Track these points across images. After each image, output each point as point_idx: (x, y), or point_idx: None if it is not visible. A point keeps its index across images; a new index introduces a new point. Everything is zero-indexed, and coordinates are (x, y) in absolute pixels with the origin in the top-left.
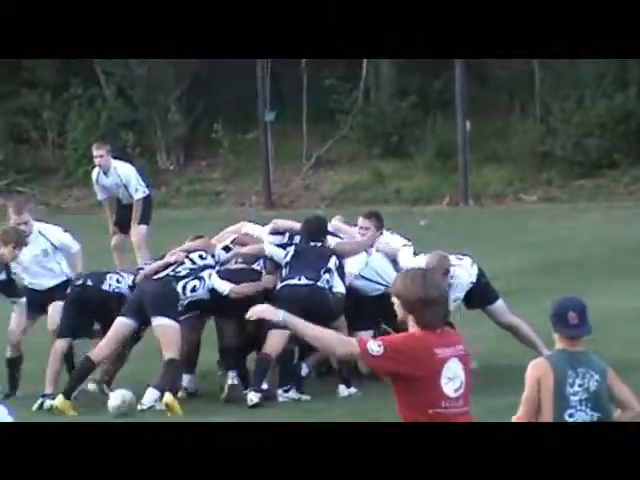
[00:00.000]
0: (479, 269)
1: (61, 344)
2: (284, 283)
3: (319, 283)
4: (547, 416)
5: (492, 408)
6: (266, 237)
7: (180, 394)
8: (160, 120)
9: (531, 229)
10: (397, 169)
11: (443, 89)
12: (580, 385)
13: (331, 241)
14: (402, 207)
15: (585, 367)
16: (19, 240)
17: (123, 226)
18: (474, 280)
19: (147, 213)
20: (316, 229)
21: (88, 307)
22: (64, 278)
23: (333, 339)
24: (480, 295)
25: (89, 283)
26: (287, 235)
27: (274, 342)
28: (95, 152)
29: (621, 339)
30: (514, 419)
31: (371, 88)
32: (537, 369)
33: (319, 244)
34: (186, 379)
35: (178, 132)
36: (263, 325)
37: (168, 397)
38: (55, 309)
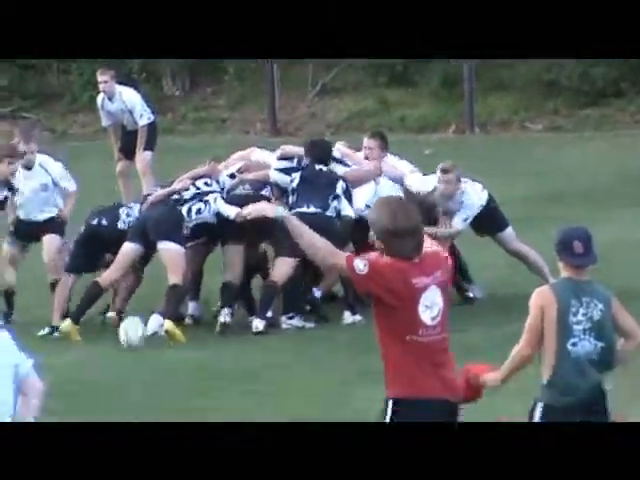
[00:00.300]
0: (489, 195)
1: (70, 278)
2: (293, 211)
3: (328, 212)
4: (550, 345)
5: (497, 336)
6: (273, 163)
7: (186, 321)
8: None
9: (537, 157)
10: (402, 97)
11: None
12: (584, 314)
13: (339, 169)
14: (407, 135)
15: (589, 296)
16: (12, 153)
17: (128, 152)
18: (484, 204)
19: (152, 139)
20: (321, 151)
21: (103, 245)
22: (57, 212)
23: (325, 249)
24: (490, 221)
25: (104, 223)
26: (295, 160)
27: (281, 270)
28: (99, 78)
29: (627, 268)
30: (516, 348)
31: None
32: (541, 297)
33: (324, 168)
34: (191, 306)
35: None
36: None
37: (168, 324)
38: (51, 242)
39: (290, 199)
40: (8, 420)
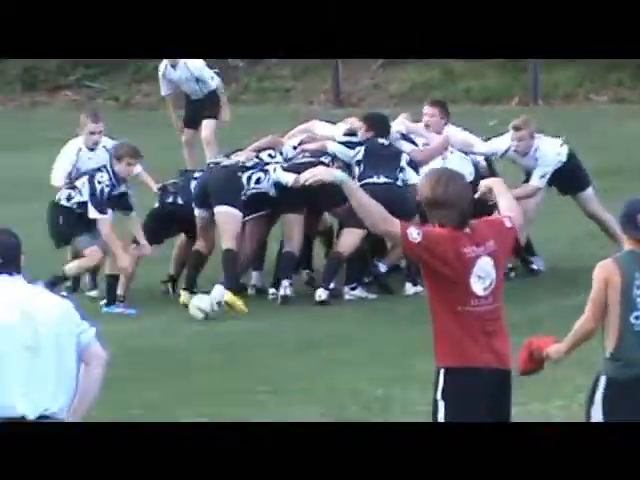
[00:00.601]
0: (570, 150)
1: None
2: (362, 182)
3: (397, 182)
4: (614, 317)
5: (560, 308)
6: (335, 135)
7: (249, 291)
8: None
9: (599, 130)
10: (467, 68)
11: None
12: None
13: (406, 147)
14: (472, 106)
15: None
16: (133, 154)
17: (193, 122)
18: (564, 159)
19: (216, 107)
20: (384, 125)
21: (177, 224)
22: None
23: (379, 214)
24: (570, 178)
25: (180, 202)
26: (358, 135)
27: (348, 241)
28: None
29: None
30: (579, 321)
31: None
32: (605, 270)
33: (387, 142)
34: (254, 276)
35: None
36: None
37: (228, 296)
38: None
39: (356, 170)
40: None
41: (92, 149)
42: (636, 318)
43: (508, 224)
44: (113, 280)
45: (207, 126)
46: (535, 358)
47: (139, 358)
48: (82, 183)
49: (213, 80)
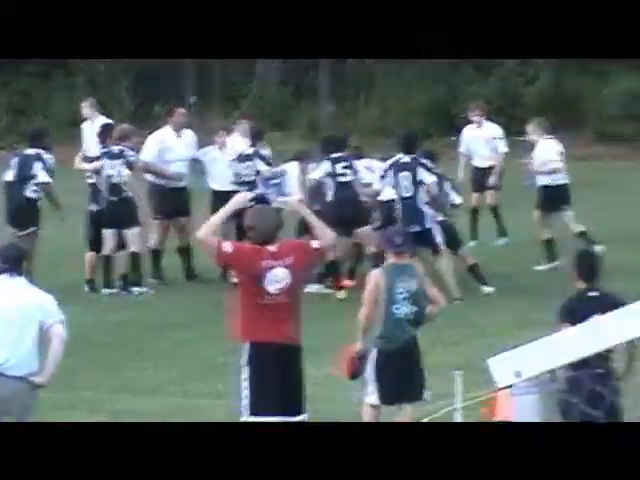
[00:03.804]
0: None
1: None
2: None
3: None
4: (381, 309)
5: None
6: None
7: None
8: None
9: None
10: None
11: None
12: (404, 287)
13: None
14: None
15: (408, 274)
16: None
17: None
18: None
19: None
20: None
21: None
22: None
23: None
24: None
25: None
26: None
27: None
28: None
29: None
30: (360, 315)
31: (262, 80)
32: (375, 276)
33: None
34: None
35: (127, 110)
36: None
37: None
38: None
39: None
40: (33, 367)
41: None
42: (396, 309)
43: (315, 245)
44: None
45: None
46: (350, 362)
47: None
48: None
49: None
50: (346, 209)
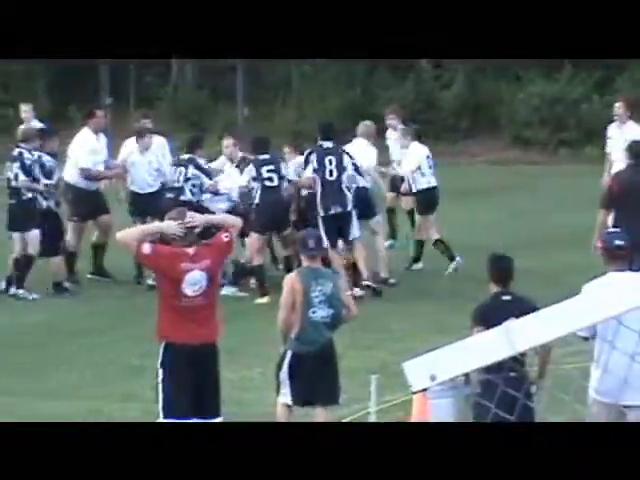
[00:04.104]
0: None
1: None
2: None
3: None
4: (297, 312)
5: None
6: None
7: None
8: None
9: None
10: None
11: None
12: (320, 291)
13: None
14: None
15: (323, 279)
16: None
17: None
18: None
19: None
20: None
21: None
22: None
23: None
24: None
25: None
26: None
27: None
28: None
29: None
30: (279, 319)
31: (179, 83)
32: (291, 280)
33: None
34: None
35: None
36: None
37: None
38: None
39: None
40: None
41: None
42: (313, 312)
43: (225, 239)
44: None
45: None
46: None
47: None
48: None
49: None
50: (273, 213)
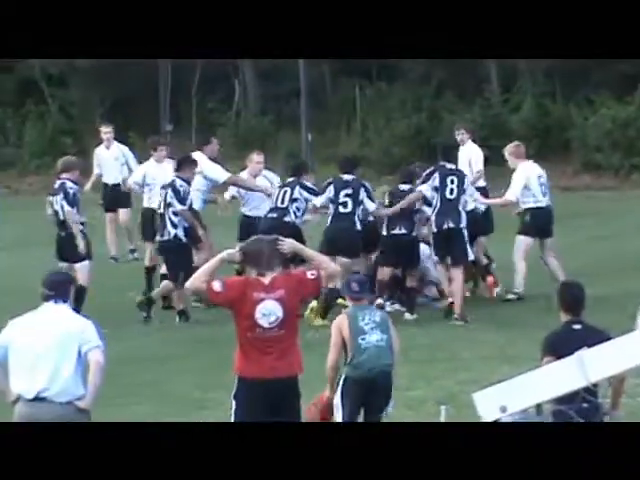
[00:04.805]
0: None
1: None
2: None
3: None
4: (349, 343)
5: None
6: None
7: None
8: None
9: None
10: None
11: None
12: (370, 320)
13: None
14: None
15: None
16: None
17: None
18: None
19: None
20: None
21: None
22: None
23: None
24: None
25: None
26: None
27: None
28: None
29: None
30: (327, 364)
31: (241, 109)
32: (338, 321)
33: None
34: None
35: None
36: None
37: None
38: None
39: None
40: (78, 392)
41: None
42: (362, 339)
43: (310, 276)
44: None
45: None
46: (324, 410)
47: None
48: None
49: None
50: (336, 240)
